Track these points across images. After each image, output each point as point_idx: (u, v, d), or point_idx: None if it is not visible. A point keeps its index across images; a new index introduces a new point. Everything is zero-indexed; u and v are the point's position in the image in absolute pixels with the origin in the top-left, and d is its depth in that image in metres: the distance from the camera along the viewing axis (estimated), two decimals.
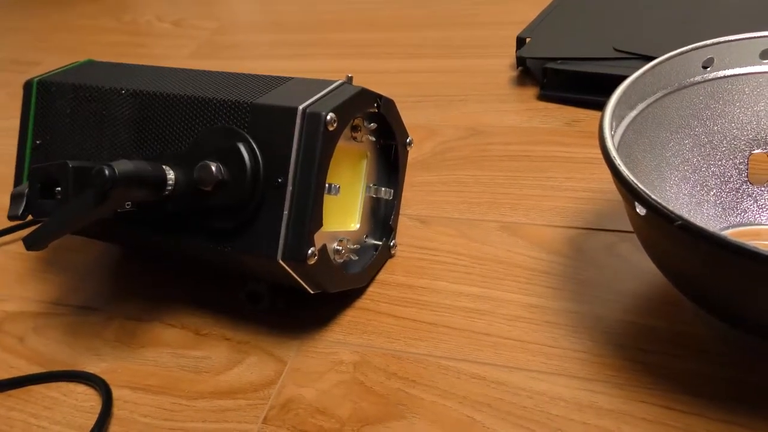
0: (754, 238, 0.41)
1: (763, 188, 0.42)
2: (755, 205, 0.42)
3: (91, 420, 0.36)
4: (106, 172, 0.32)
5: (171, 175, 0.36)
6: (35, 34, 1.00)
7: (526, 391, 0.35)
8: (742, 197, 0.42)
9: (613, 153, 0.32)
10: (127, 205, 0.34)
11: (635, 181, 0.30)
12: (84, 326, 0.44)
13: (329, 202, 0.37)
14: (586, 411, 0.34)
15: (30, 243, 0.35)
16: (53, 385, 0.40)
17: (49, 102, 0.43)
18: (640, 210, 0.30)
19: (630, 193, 0.30)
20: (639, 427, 0.33)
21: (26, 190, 0.39)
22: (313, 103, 0.36)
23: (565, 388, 0.35)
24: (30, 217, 0.41)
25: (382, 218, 0.45)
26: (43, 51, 0.94)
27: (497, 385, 0.36)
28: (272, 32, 0.90)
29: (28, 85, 0.43)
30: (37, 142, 0.43)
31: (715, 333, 0.36)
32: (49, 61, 0.88)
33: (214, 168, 0.35)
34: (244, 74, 0.41)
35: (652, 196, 0.29)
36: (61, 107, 0.42)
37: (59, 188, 0.36)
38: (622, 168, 0.31)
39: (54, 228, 0.35)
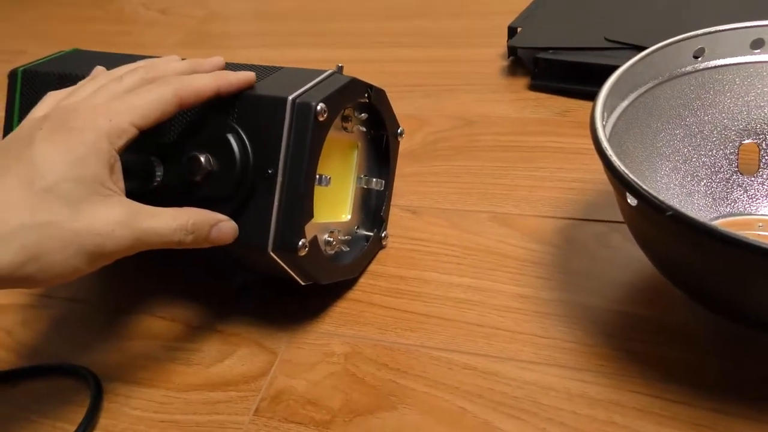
0: (744, 228, 0.41)
1: (753, 178, 0.42)
2: (745, 195, 0.42)
3: (81, 413, 0.36)
4: None
5: (159, 166, 0.36)
6: (20, 24, 0.98)
7: (517, 381, 0.35)
8: (733, 187, 0.42)
9: (605, 144, 0.32)
10: None
11: (627, 172, 0.30)
12: (73, 319, 0.44)
13: (320, 193, 0.37)
14: (577, 401, 0.34)
15: None
16: (42, 378, 0.39)
17: (35, 92, 0.42)
18: (632, 201, 0.30)
19: (621, 184, 0.30)
20: (629, 417, 0.33)
21: None
22: (303, 93, 0.35)
23: (556, 378, 0.35)
24: None
25: (373, 209, 0.44)
26: (29, 40, 0.92)
27: (488, 375, 0.36)
28: (260, 21, 0.89)
29: (12, 75, 0.43)
30: None
31: (704, 323, 0.37)
32: (35, 51, 0.86)
33: (203, 159, 0.35)
34: (232, 64, 0.40)
35: (644, 187, 0.29)
36: None
37: None
38: (614, 159, 0.31)
39: None
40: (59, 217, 0.29)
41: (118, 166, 0.32)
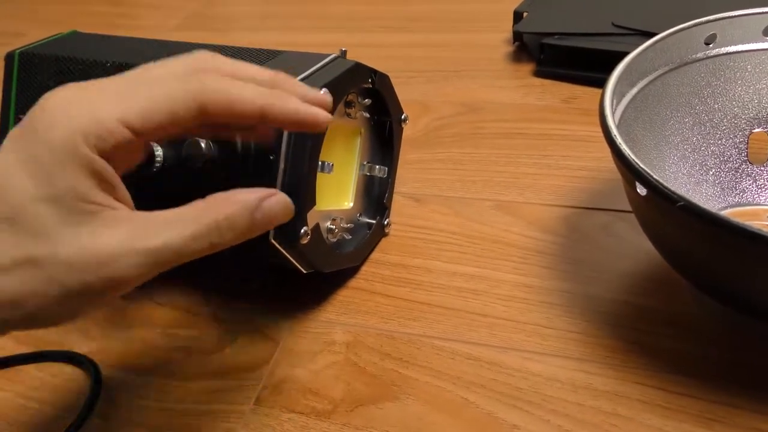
0: (752, 219, 0.40)
1: (762, 168, 0.41)
2: (754, 184, 0.41)
3: (81, 400, 0.36)
4: None
5: (159, 151, 0.35)
6: (18, 5, 0.97)
7: (521, 372, 0.35)
8: (741, 177, 0.41)
9: (615, 132, 0.31)
10: None
11: (637, 160, 0.30)
12: None
13: (322, 180, 0.36)
14: (582, 392, 0.33)
15: None
16: (42, 365, 0.39)
17: (32, 74, 0.41)
18: (641, 190, 0.30)
19: (631, 173, 0.30)
20: (634, 409, 0.32)
21: None
22: (305, 77, 0.35)
23: (560, 369, 0.35)
24: None
25: (376, 196, 0.44)
26: (27, 22, 0.91)
27: (491, 365, 0.35)
28: (262, 4, 0.88)
29: (9, 57, 0.42)
30: (20, 116, 0.42)
31: (711, 313, 0.36)
32: (33, 33, 0.86)
33: (203, 144, 0.34)
34: (233, 47, 0.40)
35: (654, 177, 0.29)
36: (45, 80, 0.41)
37: None
38: (624, 147, 0.30)
39: None
40: (30, 252, 0.22)
41: (110, 172, 0.24)
